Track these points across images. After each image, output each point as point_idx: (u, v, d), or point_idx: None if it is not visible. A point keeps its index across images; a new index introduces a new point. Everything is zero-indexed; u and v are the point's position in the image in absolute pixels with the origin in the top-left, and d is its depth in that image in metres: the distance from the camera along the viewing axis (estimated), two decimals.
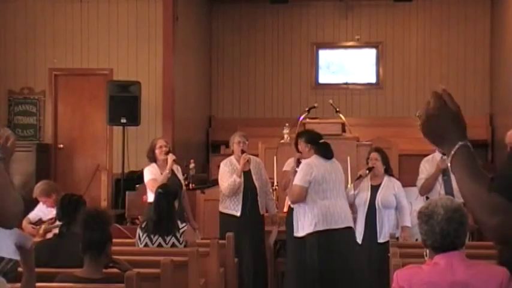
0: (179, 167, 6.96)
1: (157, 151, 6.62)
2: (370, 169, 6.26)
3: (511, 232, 1.49)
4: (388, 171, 6.38)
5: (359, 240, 6.22)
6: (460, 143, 1.60)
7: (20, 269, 3.10)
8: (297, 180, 5.89)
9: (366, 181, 6.29)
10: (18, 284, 3.21)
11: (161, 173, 6.54)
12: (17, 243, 2.69)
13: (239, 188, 6.57)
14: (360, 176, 6.27)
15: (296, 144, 6.10)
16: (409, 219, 6.28)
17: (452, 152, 1.59)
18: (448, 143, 1.61)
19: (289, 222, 6.46)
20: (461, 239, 2.80)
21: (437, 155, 6.59)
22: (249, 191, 6.58)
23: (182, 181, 6.84)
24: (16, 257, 2.76)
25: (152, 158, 6.68)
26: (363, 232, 6.21)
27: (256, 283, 6.55)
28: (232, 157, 6.74)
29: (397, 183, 6.39)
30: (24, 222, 6.09)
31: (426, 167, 6.55)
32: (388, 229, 6.15)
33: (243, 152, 6.58)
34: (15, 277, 3.28)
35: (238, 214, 6.59)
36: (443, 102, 1.71)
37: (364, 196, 6.24)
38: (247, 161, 6.55)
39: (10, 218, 2.18)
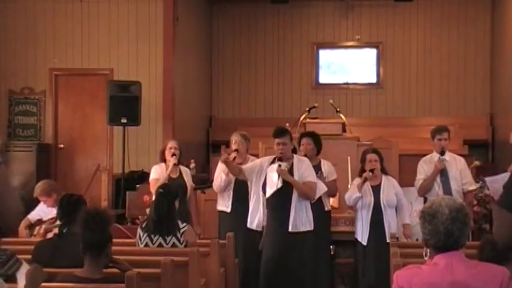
0: (188, 170, 7.05)
1: (166, 152, 6.81)
2: (372, 170, 6.26)
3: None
4: (384, 171, 6.40)
5: (363, 241, 6.20)
6: None
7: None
8: (315, 178, 5.95)
9: (366, 182, 6.29)
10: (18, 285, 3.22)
11: (167, 174, 6.73)
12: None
13: (230, 185, 6.64)
14: (366, 178, 6.25)
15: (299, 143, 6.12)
16: (409, 217, 6.30)
17: None
18: None
19: None
20: (464, 239, 2.80)
21: (435, 155, 6.58)
22: (240, 188, 6.60)
23: (189, 184, 6.86)
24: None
25: (162, 159, 6.83)
26: (368, 233, 6.19)
27: (252, 282, 6.55)
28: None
29: (395, 181, 6.42)
30: (21, 226, 6.08)
31: (424, 168, 6.53)
32: (393, 228, 6.17)
33: (236, 150, 6.62)
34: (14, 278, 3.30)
35: (229, 210, 6.67)
36: None
37: (368, 197, 6.23)
38: (234, 158, 6.55)
39: (11, 218, 2.19)
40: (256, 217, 6.01)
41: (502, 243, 2.53)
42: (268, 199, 5.90)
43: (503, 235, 1.57)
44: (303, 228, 5.87)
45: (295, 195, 5.85)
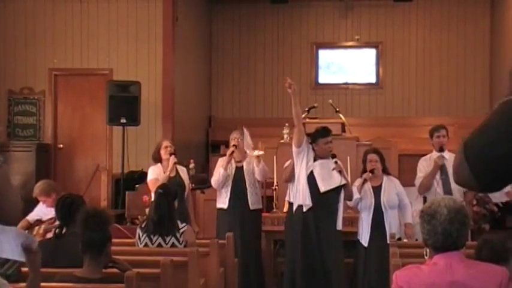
0: (184, 169, 7.05)
1: (162, 151, 6.79)
2: (372, 171, 6.24)
3: (458, 175, 1.67)
4: (385, 171, 6.39)
5: (365, 243, 6.20)
6: None
7: (24, 269, 3.11)
8: None
9: (366, 183, 6.28)
10: (20, 285, 3.21)
11: (167, 173, 6.70)
12: (23, 245, 2.69)
13: (227, 182, 6.66)
14: (365, 180, 6.24)
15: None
16: (411, 216, 6.30)
17: None
18: None
19: (288, 222, 6.45)
20: (462, 240, 2.80)
21: (434, 154, 6.60)
22: (238, 185, 6.66)
23: (186, 182, 6.87)
24: (21, 258, 2.76)
25: (157, 159, 6.80)
26: (369, 234, 6.18)
27: (248, 279, 6.55)
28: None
29: (396, 182, 6.40)
30: (19, 226, 6.06)
31: (424, 166, 6.57)
32: (393, 228, 6.16)
33: (234, 145, 6.66)
34: (17, 279, 3.30)
35: (225, 207, 6.70)
36: None
37: (368, 199, 6.22)
38: (232, 152, 6.59)
39: (10, 214, 2.19)
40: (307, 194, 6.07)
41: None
42: (313, 195, 6.03)
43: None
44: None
45: (342, 194, 6.08)
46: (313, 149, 6.14)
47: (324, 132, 6.17)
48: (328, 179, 6.02)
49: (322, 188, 5.99)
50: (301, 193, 6.05)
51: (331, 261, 5.99)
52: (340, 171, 6.05)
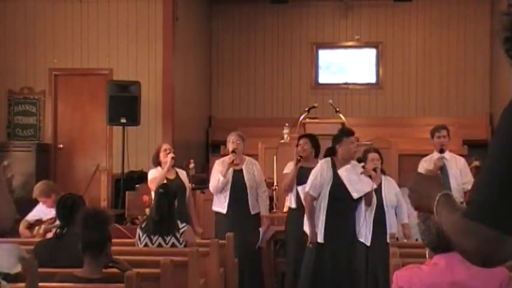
0: (184, 172, 7.02)
1: (161, 154, 6.71)
2: (375, 170, 6.21)
3: (489, 256, 1.51)
4: (383, 171, 6.39)
5: (367, 242, 6.18)
6: (439, 193, 1.70)
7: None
8: None
9: None
10: (19, 285, 3.21)
11: (166, 175, 6.63)
12: (18, 258, 2.74)
13: (226, 186, 6.60)
14: (371, 176, 6.22)
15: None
16: (407, 216, 6.31)
17: (435, 202, 1.69)
18: (432, 200, 1.72)
19: (288, 223, 6.43)
20: None
21: (435, 155, 6.63)
22: (237, 189, 6.59)
23: (187, 185, 6.84)
24: (19, 269, 2.80)
25: (157, 163, 6.74)
26: (371, 234, 6.16)
27: (247, 283, 6.53)
28: (227, 156, 6.78)
29: (393, 181, 6.39)
30: (21, 227, 6.07)
31: (424, 166, 6.60)
32: (393, 228, 6.15)
33: (233, 151, 6.60)
34: (15, 278, 3.29)
35: (225, 211, 6.63)
36: (417, 175, 1.87)
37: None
38: (233, 161, 6.55)
39: (4, 223, 2.18)
40: (322, 228, 5.96)
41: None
42: (332, 204, 5.91)
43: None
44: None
45: (363, 201, 5.96)
46: (334, 154, 6.05)
47: (348, 131, 6.13)
48: (358, 185, 5.91)
49: (355, 194, 5.88)
50: (319, 229, 5.96)
51: (350, 266, 5.93)
52: (370, 176, 5.95)
